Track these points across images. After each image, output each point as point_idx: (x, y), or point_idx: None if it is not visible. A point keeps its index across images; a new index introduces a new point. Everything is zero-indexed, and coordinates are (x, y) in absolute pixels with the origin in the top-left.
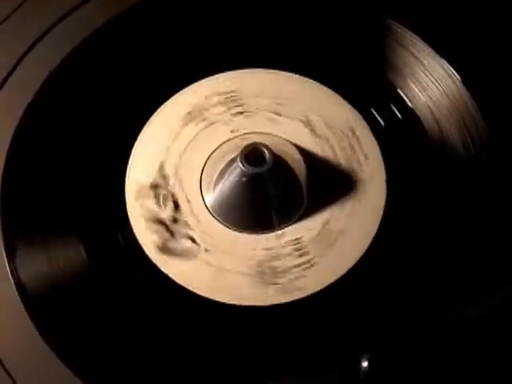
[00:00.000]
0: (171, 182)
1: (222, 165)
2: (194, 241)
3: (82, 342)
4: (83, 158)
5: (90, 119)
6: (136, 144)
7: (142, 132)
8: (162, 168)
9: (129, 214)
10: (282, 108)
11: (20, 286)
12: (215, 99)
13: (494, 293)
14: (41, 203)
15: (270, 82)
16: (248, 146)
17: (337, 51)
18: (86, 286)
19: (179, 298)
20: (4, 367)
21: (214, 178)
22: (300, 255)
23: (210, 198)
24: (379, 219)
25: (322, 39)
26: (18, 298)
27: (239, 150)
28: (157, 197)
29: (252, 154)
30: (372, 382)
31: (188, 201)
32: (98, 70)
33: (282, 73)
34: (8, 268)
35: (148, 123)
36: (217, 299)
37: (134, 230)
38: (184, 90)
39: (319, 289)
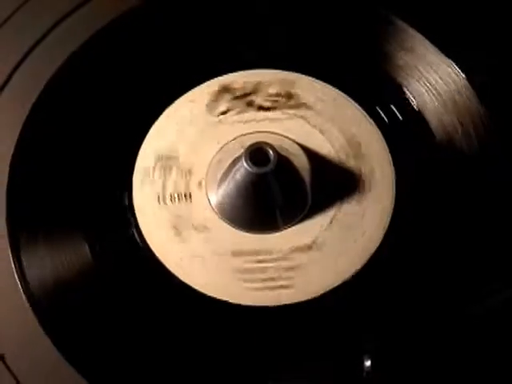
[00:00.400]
0: (180, 164)
1: (228, 162)
2: (188, 227)
3: (87, 341)
4: (88, 156)
5: (93, 118)
6: (148, 135)
7: (156, 123)
8: (173, 149)
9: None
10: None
11: (25, 285)
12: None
13: (499, 292)
14: (46, 202)
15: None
16: (252, 145)
17: (342, 50)
18: (90, 284)
19: (183, 296)
20: (7, 366)
21: (219, 177)
22: (303, 256)
23: (215, 197)
24: (385, 219)
25: (327, 39)
26: (23, 296)
27: (243, 150)
28: (163, 177)
29: (256, 154)
30: (374, 382)
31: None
32: (101, 70)
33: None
34: (13, 266)
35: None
36: (224, 299)
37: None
38: (216, 79)
39: (322, 292)
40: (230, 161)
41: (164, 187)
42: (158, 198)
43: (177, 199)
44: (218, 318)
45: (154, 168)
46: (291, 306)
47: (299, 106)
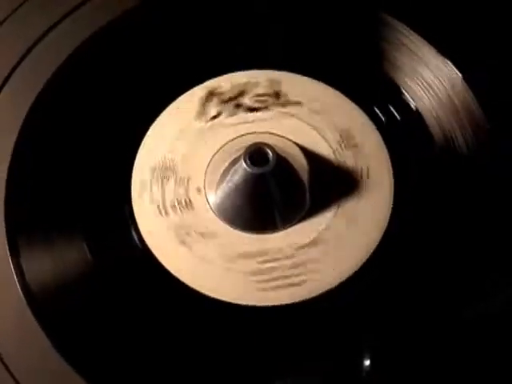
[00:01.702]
0: (179, 165)
1: (226, 164)
2: (187, 227)
3: (85, 341)
4: (87, 157)
5: (92, 118)
6: (146, 136)
7: (153, 124)
8: (173, 150)
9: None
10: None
11: (24, 285)
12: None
13: (498, 292)
14: (45, 202)
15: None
16: (251, 145)
17: (339, 50)
18: (89, 285)
19: (182, 296)
20: (6, 366)
21: (218, 177)
22: (301, 256)
23: (213, 197)
24: (383, 219)
25: (325, 39)
26: (23, 297)
27: (243, 150)
28: (161, 179)
29: (255, 154)
30: (374, 382)
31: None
32: (100, 69)
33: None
34: (12, 267)
35: (160, 116)
36: (222, 298)
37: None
38: (212, 80)
39: (320, 292)
40: (226, 163)
41: (163, 197)
42: (158, 207)
43: (178, 207)
44: (216, 318)
45: (151, 180)
46: (291, 306)
47: (288, 103)
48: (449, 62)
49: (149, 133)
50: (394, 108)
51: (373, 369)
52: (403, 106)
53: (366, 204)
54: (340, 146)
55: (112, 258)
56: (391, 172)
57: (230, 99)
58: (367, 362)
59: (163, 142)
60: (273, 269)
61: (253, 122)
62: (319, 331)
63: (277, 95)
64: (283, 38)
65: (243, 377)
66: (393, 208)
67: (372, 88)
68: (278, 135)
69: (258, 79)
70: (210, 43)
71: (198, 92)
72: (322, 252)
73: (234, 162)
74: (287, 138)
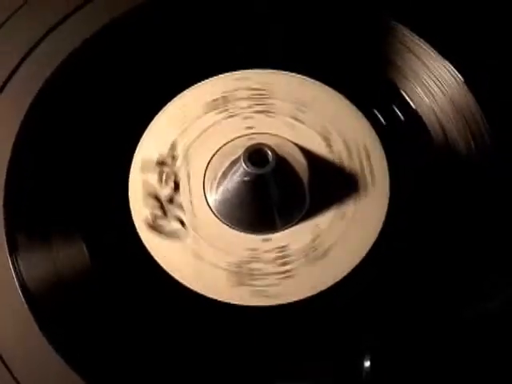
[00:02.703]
0: (178, 163)
1: (226, 164)
2: (182, 224)
3: (84, 341)
4: (86, 157)
5: (91, 118)
6: (152, 123)
7: (160, 112)
8: (172, 147)
9: (129, 184)
10: (301, 113)
11: (23, 285)
12: (243, 93)
13: (497, 292)
14: (43, 202)
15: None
16: (251, 146)
17: (340, 52)
18: (88, 284)
19: (180, 296)
20: (7, 367)
21: (218, 177)
22: (300, 257)
23: (213, 197)
24: (382, 220)
25: (327, 41)
26: (21, 296)
27: (243, 151)
28: (160, 174)
29: (255, 155)
30: (374, 382)
31: (189, 187)
32: (99, 70)
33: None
34: (11, 267)
35: (168, 105)
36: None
37: (130, 203)
38: (213, 78)
39: (321, 291)
40: (228, 162)
41: (162, 190)
42: (156, 200)
43: (175, 201)
44: (216, 319)
45: (152, 170)
46: (291, 305)
47: (297, 108)
48: (450, 65)
49: (151, 125)
50: (396, 111)
51: (372, 369)
52: (405, 109)
53: (364, 205)
54: (339, 147)
55: (110, 258)
56: (391, 174)
57: (237, 99)
58: (366, 364)
59: (164, 137)
60: (259, 270)
61: (259, 123)
62: (317, 332)
63: (281, 98)
64: (283, 38)
65: (240, 375)
66: (392, 209)
67: (373, 91)
68: (279, 136)
69: (275, 81)
70: (210, 43)
71: (205, 89)
72: (320, 252)
73: (235, 162)
74: (287, 139)
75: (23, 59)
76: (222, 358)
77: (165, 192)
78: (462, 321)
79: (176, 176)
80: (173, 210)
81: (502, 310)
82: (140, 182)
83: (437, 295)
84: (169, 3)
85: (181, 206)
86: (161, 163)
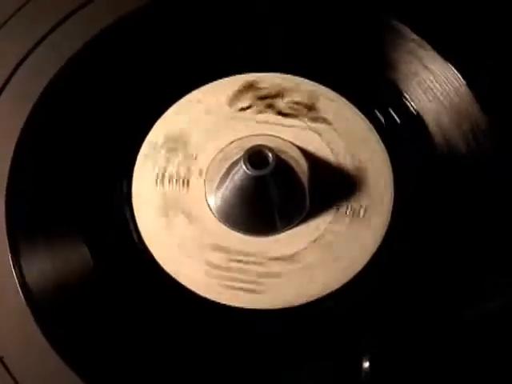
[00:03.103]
0: (181, 162)
1: (226, 166)
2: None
3: (85, 343)
4: (87, 157)
5: (94, 119)
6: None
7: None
8: (175, 148)
9: (132, 185)
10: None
11: (24, 286)
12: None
13: (498, 293)
14: (45, 203)
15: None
16: (251, 148)
17: (341, 54)
18: (89, 285)
19: (182, 298)
20: (7, 368)
21: (218, 178)
22: (300, 258)
23: (213, 199)
24: (384, 222)
25: (328, 42)
26: (22, 297)
27: (243, 152)
28: (163, 174)
29: (255, 156)
30: (373, 383)
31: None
32: (102, 71)
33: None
34: (13, 268)
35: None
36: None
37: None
38: (243, 76)
39: (323, 294)
40: (230, 162)
41: (166, 168)
42: (157, 179)
43: (174, 183)
44: (215, 320)
45: (160, 147)
46: (292, 307)
47: (318, 119)
48: (450, 66)
49: (170, 109)
50: (395, 112)
51: (372, 370)
52: (406, 110)
53: (365, 207)
54: (342, 149)
55: (112, 259)
56: (391, 175)
57: (265, 97)
58: (366, 365)
59: (184, 118)
60: (259, 272)
61: (274, 124)
62: (317, 333)
63: (310, 108)
64: (283, 39)
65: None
66: (393, 211)
67: (374, 92)
68: (280, 138)
69: (294, 86)
70: (210, 43)
71: (238, 81)
72: (320, 254)
73: (235, 163)
74: (288, 141)
75: (24, 60)
76: (221, 359)
77: (168, 192)
78: (462, 321)
79: (179, 176)
80: (173, 196)
81: (502, 310)
82: (143, 182)
83: (437, 295)
84: (169, 4)
85: (181, 201)
86: (170, 148)
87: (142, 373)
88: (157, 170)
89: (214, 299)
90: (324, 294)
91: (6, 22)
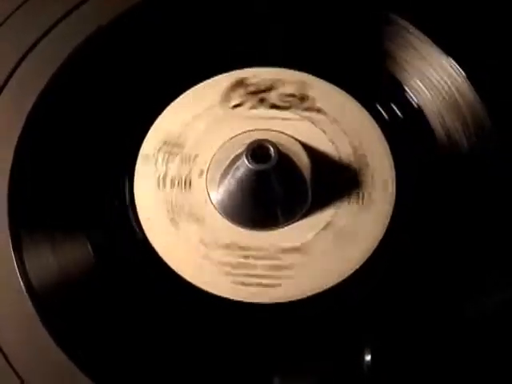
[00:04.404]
0: (182, 159)
1: (228, 161)
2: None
3: (89, 339)
4: (89, 155)
5: (93, 118)
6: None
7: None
8: (177, 144)
9: (134, 182)
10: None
11: (27, 282)
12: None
13: (498, 291)
14: (47, 199)
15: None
16: (253, 142)
17: (343, 48)
18: (92, 281)
19: (186, 294)
20: (10, 363)
21: (220, 173)
22: (301, 254)
23: (215, 193)
24: (385, 217)
25: (328, 37)
26: (25, 293)
27: (245, 147)
28: (165, 171)
29: (257, 151)
30: (375, 378)
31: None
32: (102, 68)
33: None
34: (15, 265)
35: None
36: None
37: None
38: (233, 72)
39: (322, 290)
40: (229, 160)
41: (166, 172)
42: (158, 182)
43: (176, 185)
44: (217, 316)
45: (158, 151)
46: (291, 304)
47: (311, 109)
48: (452, 61)
49: (164, 113)
50: (397, 106)
51: (373, 364)
52: (407, 104)
53: (367, 202)
54: (343, 144)
55: (114, 254)
56: (393, 170)
57: (256, 92)
58: (367, 358)
59: (180, 120)
60: (260, 267)
61: (270, 119)
62: (317, 332)
63: (302, 98)
64: (284, 34)
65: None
66: (394, 206)
67: (375, 86)
68: (282, 132)
69: (285, 78)
70: (210, 43)
71: (228, 79)
72: (321, 250)
73: (237, 157)
74: (290, 136)
75: (23, 58)
76: (222, 356)
77: (170, 192)
78: (462, 320)
79: (181, 165)
80: (175, 199)
81: (502, 309)
82: (145, 179)
83: (438, 293)
84: (169, 3)
85: (185, 202)
86: (168, 151)
87: (146, 368)
88: (157, 174)
89: (213, 292)
90: (324, 290)
91: (5, 20)
